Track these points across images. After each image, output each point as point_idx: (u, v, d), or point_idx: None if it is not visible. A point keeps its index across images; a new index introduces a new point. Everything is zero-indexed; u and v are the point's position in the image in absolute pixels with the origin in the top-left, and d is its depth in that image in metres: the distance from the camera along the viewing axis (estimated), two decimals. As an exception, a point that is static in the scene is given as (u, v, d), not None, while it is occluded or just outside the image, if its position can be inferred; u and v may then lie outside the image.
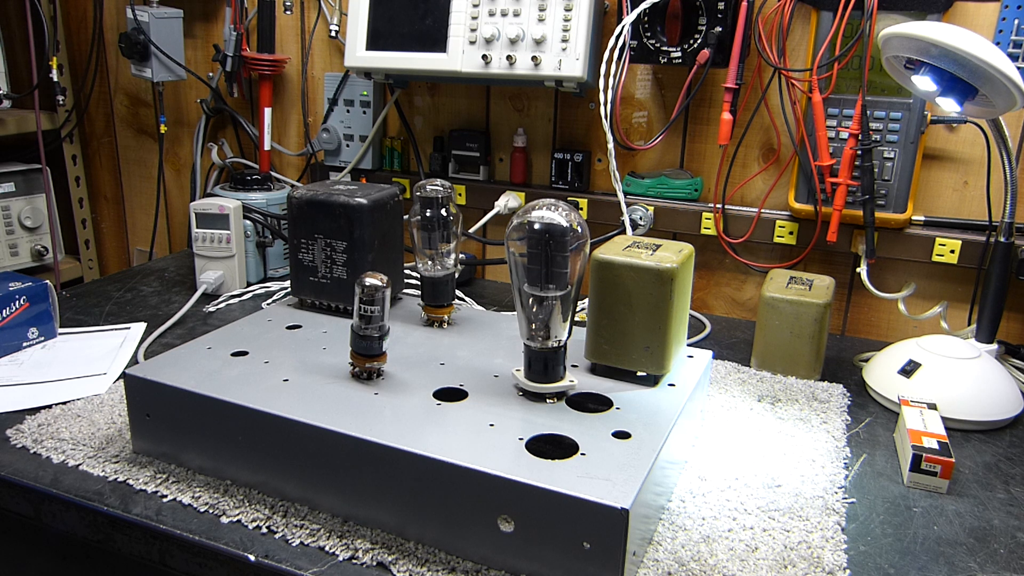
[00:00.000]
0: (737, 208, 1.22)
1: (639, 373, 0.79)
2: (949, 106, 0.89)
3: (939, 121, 1.06)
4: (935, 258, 1.12)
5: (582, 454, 0.64)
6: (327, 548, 0.65)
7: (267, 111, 1.46)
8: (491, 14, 1.16)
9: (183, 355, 0.81)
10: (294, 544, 0.66)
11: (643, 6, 1.11)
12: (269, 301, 1.23)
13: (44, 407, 0.87)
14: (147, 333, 1.09)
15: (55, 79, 1.56)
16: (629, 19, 1.12)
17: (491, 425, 0.68)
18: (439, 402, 0.72)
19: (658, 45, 1.14)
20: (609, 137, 1.15)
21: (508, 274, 0.82)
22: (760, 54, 1.11)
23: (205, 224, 1.24)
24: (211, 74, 1.56)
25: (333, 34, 1.41)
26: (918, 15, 1.03)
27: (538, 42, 1.14)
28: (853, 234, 1.15)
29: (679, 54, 1.13)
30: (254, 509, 0.70)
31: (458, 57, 1.18)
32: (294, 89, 1.50)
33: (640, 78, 1.25)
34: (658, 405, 0.74)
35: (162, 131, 1.58)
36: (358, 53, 1.25)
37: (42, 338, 1.05)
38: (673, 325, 0.76)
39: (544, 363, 0.73)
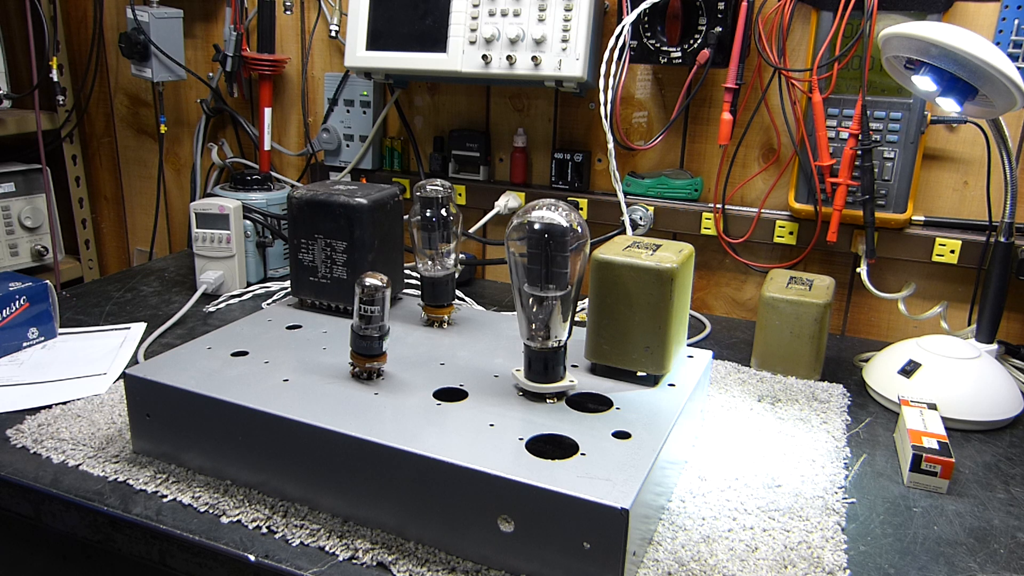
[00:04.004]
0: (737, 208, 1.22)
1: (639, 373, 0.79)
2: (949, 106, 0.89)
3: (939, 121, 1.06)
4: (935, 258, 1.12)
5: (582, 454, 0.64)
6: (327, 548, 0.65)
7: (267, 111, 1.46)
8: (491, 14, 1.16)
9: (183, 355, 0.81)
10: (294, 544, 0.66)
11: (643, 6, 1.11)
12: (269, 301, 1.23)
13: (44, 407, 0.87)
14: (147, 333, 1.09)
15: (55, 79, 1.56)
16: (629, 19, 1.12)
17: (491, 425, 0.68)
18: (439, 402, 0.72)
19: (658, 45, 1.14)
20: (609, 137, 1.15)
21: (508, 274, 0.82)
22: (760, 54, 1.11)
23: (205, 224, 1.24)
24: (211, 74, 1.56)
25: (333, 34, 1.41)
26: (918, 15, 1.03)
27: (538, 42, 1.14)
28: (853, 234, 1.15)
29: (679, 54, 1.13)
30: (254, 509, 0.70)
31: (458, 57, 1.18)
32: (294, 89, 1.50)
33: (640, 78, 1.25)
34: (658, 405, 0.74)
35: (162, 131, 1.58)
36: (358, 53, 1.25)
37: (42, 338, 1.05)
38: (673, 325, 0.76)
39: (544, 363, 0.73)
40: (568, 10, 1.12)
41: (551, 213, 0.70)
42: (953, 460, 0.76)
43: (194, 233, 1.24)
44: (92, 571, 0.78)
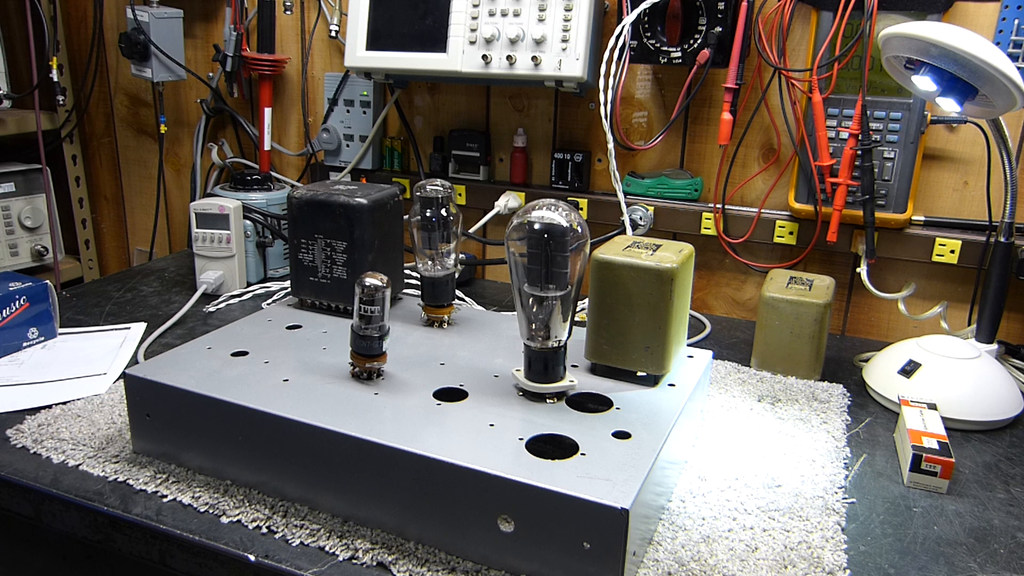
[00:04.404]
0: (737, 208, 1.22)
1: (639, 373, 0.79)
2: (949, 106, 0.89)
3: (939, 121, 1.06)
4: (935, 258, 1.12)
5: (582, 454, 0.64)
6: (327, 548, 0.65)
7: (267, 111, 1.46)
8: (491, 14, 1.16)
9: (183, 355, 0.81)
10: (294, 544, 0.66)
11: (643, 6, 1.11)
12: (269, 301, 1.23)
13: (44, 407, 0.87)
14: (147, 333, 1.09)
15: (55, 79, 1.56)
16: (629, 19, 1.12)
17: (491, 425, 0.68)
18: (439, 402, 0.72)
19: (658, 45, 1.14)
20: (609, 137, 1.15)
21: (508, 274, 0.82)
22: (760, 54, 1.11)
23: (205, 224, 1.24)
24: (211, 74, 1.56)
25: (333, 34, 1.41)
26: (918, 15, 1.03)
27: (538, 42, 1.14)
28: (853, 234, 1.15)
29: (679, 54, 1.13)
30: (254, 509, 0.70)
31: (458, 57, 1.18)
32: (294, 89, 1.50)
33: (640, 78, 1.25)
34: (658, 405, 0.74)
35: (162, 131, 1.58)
36: (358, 53, 1.25)
37: (42, 338, 1.05)
38: (673, 325, 0.76)
39: (544, 363, 0.73)
40: (568, 10, 1.12)
41: (551, 213, 0.70)
42: (953, 460, 0.76)
43: (194, 233, 1.24)
44: (92, 571, 0.78)
